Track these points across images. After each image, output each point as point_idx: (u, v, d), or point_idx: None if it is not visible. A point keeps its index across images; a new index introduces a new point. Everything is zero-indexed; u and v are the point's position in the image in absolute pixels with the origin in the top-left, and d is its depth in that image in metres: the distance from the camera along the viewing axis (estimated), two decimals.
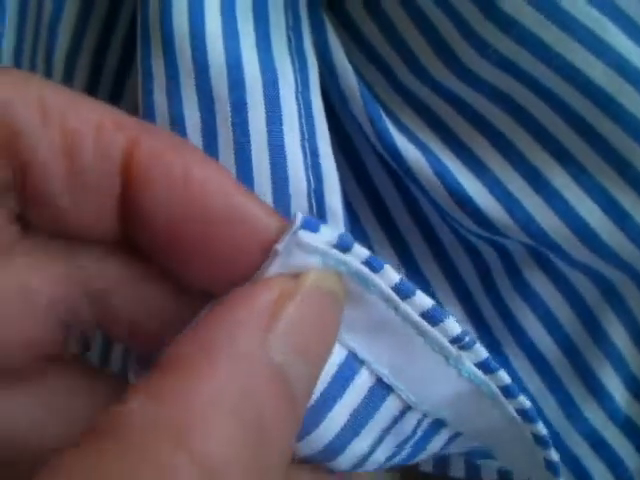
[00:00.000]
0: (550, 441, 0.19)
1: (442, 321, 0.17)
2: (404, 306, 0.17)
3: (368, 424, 0.18)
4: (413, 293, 0.17)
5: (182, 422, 0.13)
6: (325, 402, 0.18)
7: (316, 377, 0.17)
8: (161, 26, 0.19)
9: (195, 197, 0.16)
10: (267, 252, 0.16)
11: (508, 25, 0.20)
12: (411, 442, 0.20)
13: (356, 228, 0.26)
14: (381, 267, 0.17)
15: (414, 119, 0.23)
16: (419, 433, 0.20)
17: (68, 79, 0.28)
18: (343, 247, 0.17)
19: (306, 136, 0.20)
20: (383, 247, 0.25)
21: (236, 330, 0.15)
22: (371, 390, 0.18)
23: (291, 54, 0.21)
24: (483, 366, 0.18)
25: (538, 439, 0.19)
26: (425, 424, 0.20)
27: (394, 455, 0.20)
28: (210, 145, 0.19)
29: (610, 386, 0.23)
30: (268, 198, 0.19)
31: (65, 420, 0.17)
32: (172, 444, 0.13)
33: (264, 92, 0.19)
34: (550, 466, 0.20)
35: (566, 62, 0.19)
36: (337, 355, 0.18)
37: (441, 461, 0.27)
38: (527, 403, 0.19)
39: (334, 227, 0.19)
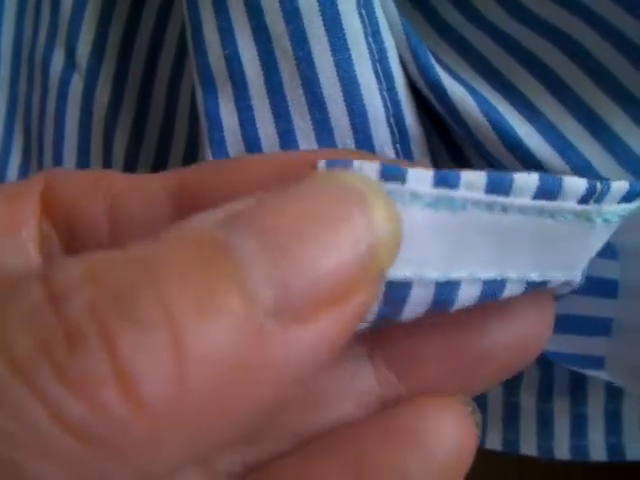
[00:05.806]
0: None
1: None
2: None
3: None
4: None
5: None
6: None
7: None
8: None
9: None
10: None
11: None
12: None
13: None
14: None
15: (458, 60, 0.21)
16: None
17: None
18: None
19: (376, 57, 0.19)
20: None
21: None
22: None
23: None
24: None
25: None
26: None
27: None
28: (273, 82, 0.18)
29: None
30: (347, 130, 0.18)
31: None
32: None
33: (323, 17, 0.18)
34: None
35: None
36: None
37: None
38: None
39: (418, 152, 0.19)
